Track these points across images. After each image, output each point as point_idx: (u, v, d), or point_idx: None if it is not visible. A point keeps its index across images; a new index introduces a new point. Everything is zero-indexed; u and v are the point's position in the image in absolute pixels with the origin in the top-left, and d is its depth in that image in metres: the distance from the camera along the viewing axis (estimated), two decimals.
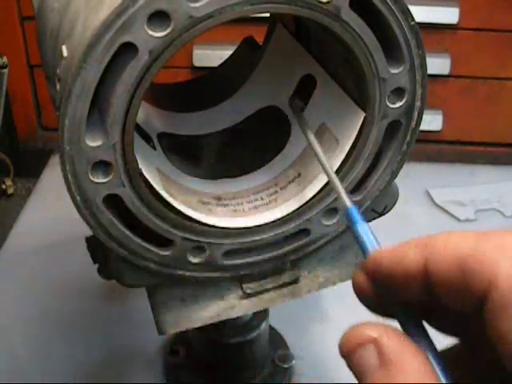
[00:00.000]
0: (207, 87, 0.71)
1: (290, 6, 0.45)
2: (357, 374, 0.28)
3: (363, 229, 0.38)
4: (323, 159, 0.52)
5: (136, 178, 0.48)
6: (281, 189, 0.59)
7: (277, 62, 0.66)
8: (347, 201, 0.45)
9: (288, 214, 0.55)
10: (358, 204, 0.55)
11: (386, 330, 0.28)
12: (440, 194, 1.14)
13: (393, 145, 0.55)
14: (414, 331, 0.29)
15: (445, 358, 0.30)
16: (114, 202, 0.49)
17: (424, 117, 0.54)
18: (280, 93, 0.65)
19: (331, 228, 0.57)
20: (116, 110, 0.44)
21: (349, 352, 0.28)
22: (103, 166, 0.46)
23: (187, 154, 0.64)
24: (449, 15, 1.14)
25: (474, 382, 0.30)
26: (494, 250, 0.26)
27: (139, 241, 0.51)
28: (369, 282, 0.31)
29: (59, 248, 0.98)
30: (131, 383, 0.81)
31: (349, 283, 0.62)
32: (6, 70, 0.95)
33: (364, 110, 0.52)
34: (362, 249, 0.36)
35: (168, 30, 0.43)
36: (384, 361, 0.27)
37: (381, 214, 0.60)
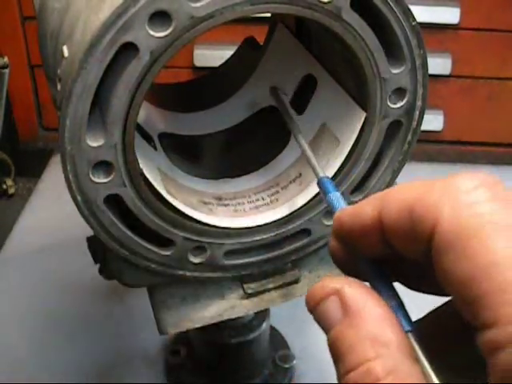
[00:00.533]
0: (208, 87, 0.71)
1: (291, 6, 0.45)
2: (322, 327, 0.29)
3: (335, 197, 0.39)
4: (297, 131, 0.55)
5: (137, 178, 0.48)
6: (282, 189, 0.59)
7: (278, 62, 0.65)
8: (320, 171, 0.47)
9: (289, 214, 0.55)
10: None
11: (348, 282, 0.29)
12: None
13: (394, 145, 0.55)
14: (378, 284, 0.30)
15: (431, 322, 0.31)
16: (114, 202, 0.49)
17: (425, 117, 0.54)
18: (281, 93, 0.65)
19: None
20: (117, 110, 0.44)
21: (314, 306, 0.29)
22: (104, 166, 0.46)
23: (188, 153, 0.64)
24: (450, 15, 1.14)
25: (461, 342, 0.30)
26: (438, 192, 0.26)
27: (140, 241, 0.51)
28: (338, 242, 0.31)
29: (60, 248, 0.98)
30: (132, 383, 0.81)
31: None
32: (6, 70, 0.95)
33: (365, 109, 0.52)
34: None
35: (169, 30, 0.43)
36: (346, 310, 0.28)
37: None
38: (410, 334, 0.27)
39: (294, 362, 0.82)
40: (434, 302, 0.31)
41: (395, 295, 0.29)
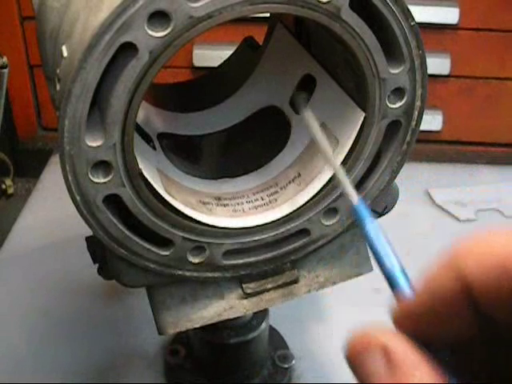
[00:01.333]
0: (207, 87, 0.71)
1: (290, 6, 0.45)
2: (359, 378, 0.27)
3: (373, 228, 0.36)
4: (328, 150, 0.50)
5: (136, 178, 0.48)
6: (281, 189, 0.59)
7: (277, 62, 0.66)
8: (355, 197, 0.41)
9: (288, 214, 0.55)
10: None
11: (395, 337, 0.27)
12: (440, 194, 1.14)
13: (393, 145, 0.55)
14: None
15: None
16: (114, 202, 0.49)
17: (424, 117, 0.54)
18: (280, 93, 0.65)
19: (331, 228, 0.57)
20: (116, 110, 0.44)
21: (355, 355, 0.27)
22: (103, 166, 0.46)
23: (187, 153, 0.64)
24: (449, 15, 1.14)
25: None
26: None
27: (139, 241, 0.51)
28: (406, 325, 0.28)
29: (59, 248, 0.98)
30: (131, 383, 0.81)
31: (349, 283, 0.63)
32: (6, 70, 0.95)
33: (364, 109, 0.52)
34: (372, 250, 0.35)
35: (168, 30, 0.43)
36: (391, 366, 0.26)
37: (381, 215, 0.60)
38: None
39: (293, 361, 0.81)
40: None
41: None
